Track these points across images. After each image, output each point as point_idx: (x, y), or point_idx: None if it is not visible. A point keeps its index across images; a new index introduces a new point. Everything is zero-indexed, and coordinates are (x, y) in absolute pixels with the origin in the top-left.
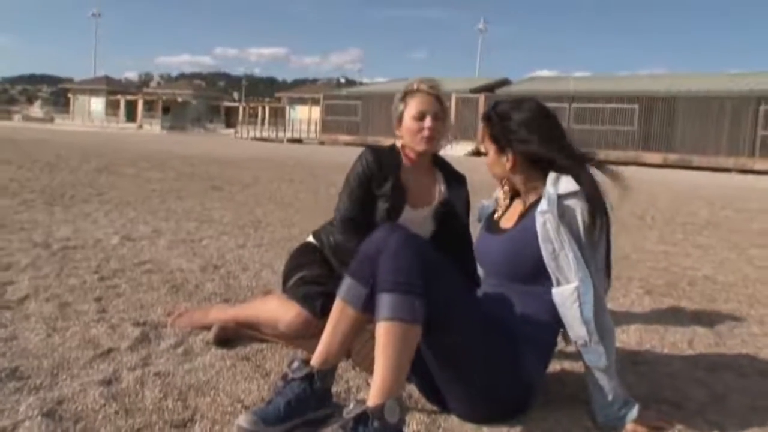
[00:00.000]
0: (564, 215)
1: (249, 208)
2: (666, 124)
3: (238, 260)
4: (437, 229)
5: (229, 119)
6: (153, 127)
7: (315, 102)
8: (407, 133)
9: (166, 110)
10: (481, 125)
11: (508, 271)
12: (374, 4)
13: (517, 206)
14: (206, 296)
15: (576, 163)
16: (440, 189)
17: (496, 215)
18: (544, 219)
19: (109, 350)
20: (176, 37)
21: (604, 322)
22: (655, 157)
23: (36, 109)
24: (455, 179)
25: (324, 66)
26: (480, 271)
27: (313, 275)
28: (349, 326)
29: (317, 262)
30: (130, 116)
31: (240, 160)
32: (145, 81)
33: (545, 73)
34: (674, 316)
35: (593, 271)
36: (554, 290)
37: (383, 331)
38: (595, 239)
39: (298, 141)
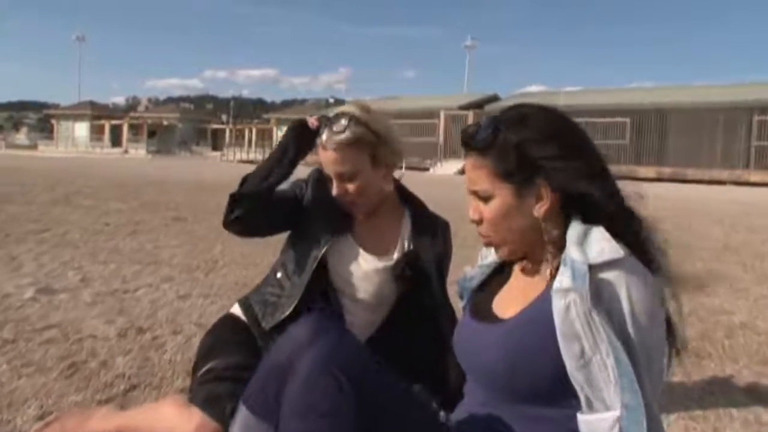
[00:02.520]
0: (601, 297)
1: (208, 244)
2: (658, 137)
3: (171, 319)
4: (401, 298)
5: (216, 142)
6: (138, 152)
7: None
8: None
9: (151, 134)
10: (467, 158)
11: (508, 384)
12: (364, 23)
13: (521, 280)
14: (109, 381)
15: (621, 207)
16: (404, 237)
17: (486, 292)
18: (567, 302)
19: None
20: (165, 61)
21: None
22: (648, 171)
23: (21, 136)
24: (429, 225)
25: (314, 86)
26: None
27: (227, 366)
28: None
29: (238, 346)
30: (116, 141)
31: (217, 184)
32: (132, 105)
33: (535, 88)
34: (724, 392)
35: (648, 389)
36: (581, 417)
37: None
38: (653, 339)
39: (305, 163)
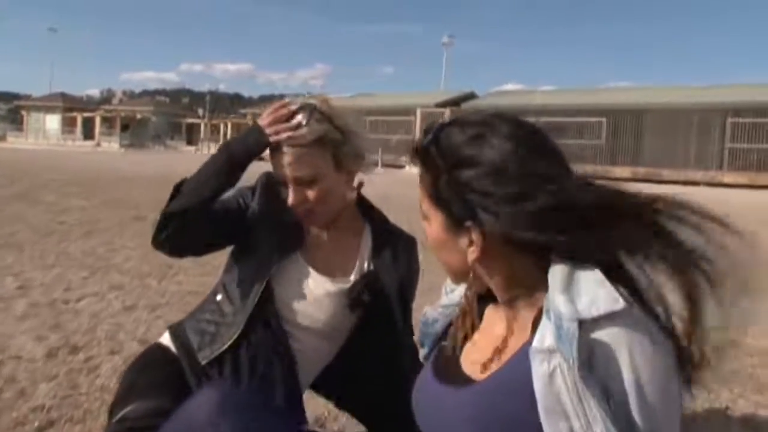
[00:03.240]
0: (594, 364)
1: None
2: (634, 137)
3: (111, 335)
4: (359, 326)
5: (191, 136)
6: (111, 145)
7: None
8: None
9: (125, 127)
10: (416, 172)
11: None
12: (342, 20)
13: (494, 326)
14: (23, 416)
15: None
16: (364, 256)
17: (451, 343)
18: (552, 367)
19: None
20: (140, 54)
21: None
22: (623, 171)
23: None
24: (392, 242)
25: (291, 82)
26: None
27: (145, 412)
28: None
29: (161, 386)
30: (88, 134)
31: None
32: (107, 98)
33: (512, 86)
34: (721, 427)
35: None
36: None
37: None
38: (663, 420)
39: (261, 158)
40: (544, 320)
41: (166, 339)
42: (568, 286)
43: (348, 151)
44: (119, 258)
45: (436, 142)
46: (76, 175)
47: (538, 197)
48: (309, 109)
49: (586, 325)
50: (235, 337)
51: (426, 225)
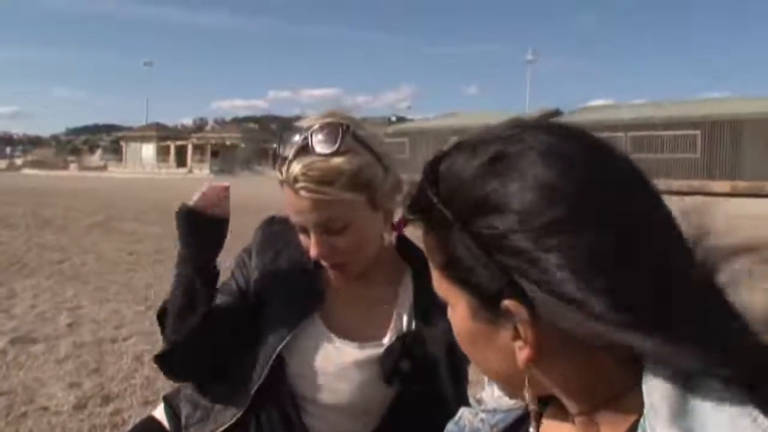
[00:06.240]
0: None
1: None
2: (732, 149)
3: (149, 383)
4: (397, 402)
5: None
6: (202, 171)
7: None
8: (304, 248)
9: (215, 154)
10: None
11: None
12: (427, 41)
13: None
14: None
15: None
16: (403, 312)
17: None
18: None
19: None
20: (231, 83)
21: None
22: (722, 186)
23: (95, 158)
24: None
25: (376, 104)
26: None
27: None
28: None
29: None
30: (181, 161)
31: (264, 206)
32: (199, 126)
33: (600, 102)
34: None
35: None
36: None
37: None
38: None
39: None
40: None
41: (158, 410)
42: (682, 410)
43: (387, 186)
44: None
45: (436, 183)
46: (157, 202)
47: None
48: (339, 130)
49: None
50: (236, 417)
51: (450, 314)
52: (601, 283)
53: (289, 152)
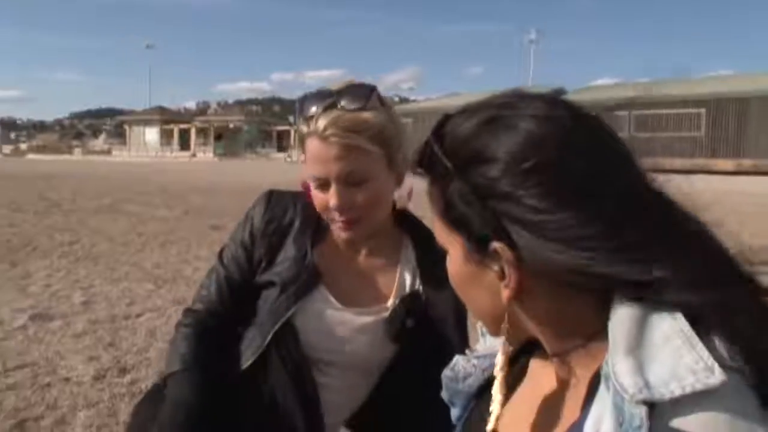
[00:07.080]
0: None
1: None
2: (737, 127)
3: (163, 355)
4: (398, 359)
5: (282, 143)
6: (206, 155)
7: None
8: (316, 204)
9: (218, 137)
10: (425, 182)
11: None
12: (431, 21)
13: (539, 389)
14: None
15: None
16: (404, 276)
17: (486, 402)
18: None
19: None
20: (234, 66)
21: None
22: (726, 164)
23: (98, 142)
24: (442, 254)
25: (379, 86)
26: None
27: None
28: None
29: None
30: (184, 144)
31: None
32: (202, 109)
33: (605, 81)
34: None
35: None
36: None
37: None
38: None
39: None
40: (601, 391)
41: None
42: (637, 344)
43: (402, 148)
44: (189, 270)
45: (440, 139)
46: (163, 185)
47: (599, 198)
48: (368, 90)
49: (660, 410)
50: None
51: (447, 261)
52: (579, 217)
53: (317, 110)
